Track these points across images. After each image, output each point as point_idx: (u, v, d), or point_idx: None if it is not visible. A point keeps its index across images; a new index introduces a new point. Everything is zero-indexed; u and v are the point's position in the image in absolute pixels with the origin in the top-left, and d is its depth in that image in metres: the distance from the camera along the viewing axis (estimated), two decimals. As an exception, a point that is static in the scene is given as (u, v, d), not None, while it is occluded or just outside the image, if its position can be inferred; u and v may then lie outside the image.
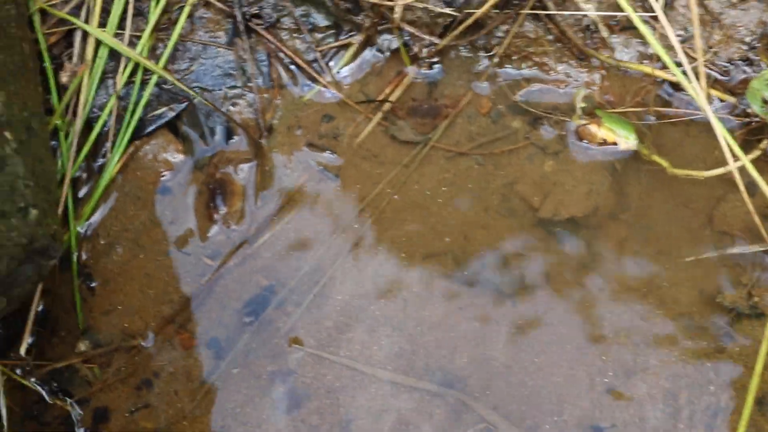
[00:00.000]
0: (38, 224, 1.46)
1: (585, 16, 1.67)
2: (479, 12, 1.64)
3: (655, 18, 1.63)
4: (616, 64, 1.69)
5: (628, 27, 1.69)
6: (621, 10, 1.64)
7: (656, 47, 1.61)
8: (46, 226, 1.49)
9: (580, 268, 1.64)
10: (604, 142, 1.67)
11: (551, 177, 1.68)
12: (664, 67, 1.66)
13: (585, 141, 1.69)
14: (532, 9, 1.66)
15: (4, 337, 1.58)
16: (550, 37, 1.71)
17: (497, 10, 1.67)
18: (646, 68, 1.69)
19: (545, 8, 1.67)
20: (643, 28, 1.62)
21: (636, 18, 1.62)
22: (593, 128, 1.67)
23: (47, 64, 1.65)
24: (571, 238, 1.66)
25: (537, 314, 1.62)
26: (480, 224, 1.66)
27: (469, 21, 1.66)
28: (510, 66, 1.73)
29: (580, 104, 1.69)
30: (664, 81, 1.70)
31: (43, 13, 1.67)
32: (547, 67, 1.72)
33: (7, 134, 1.45)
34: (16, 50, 1.57)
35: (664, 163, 1.64)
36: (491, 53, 1.72)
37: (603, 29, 1.69)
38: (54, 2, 1.68)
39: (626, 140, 1.66)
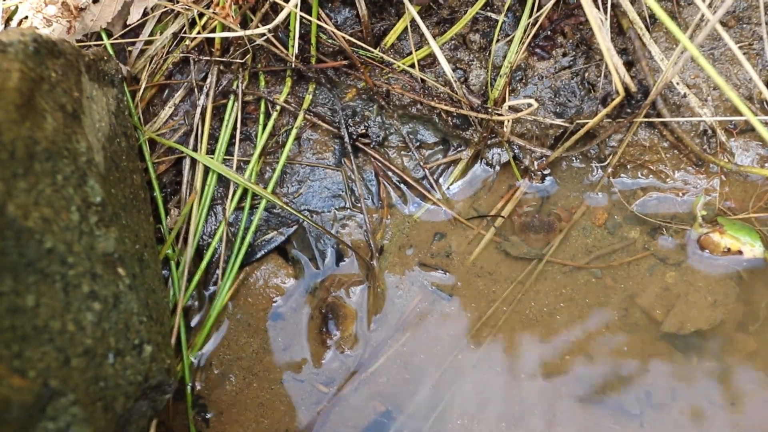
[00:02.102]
0: (153, 360, 1.50)
1: (701, 121, 1.66)
2: (591, 122, 1.66)
3: (777, 121, 1.61)
4: (737, 169, 1.68)
5: (746, 130, 1.69)
6: (739, 113, 1.63)
7: (780, 153, 1.59)
8: (161, 361, 1.52)
9: (709, 384, 1.61)
10: (728, 251, 1.65)
11: (673, 289, 1.66)
12: (788, 171, 1.64)
13: (707, 250, 1.67)
14: (646, 117, 1.66)
15: (123, 475, 1.59)
16: (666, 144, 1.71)
17: (610, 119, 1.67)
18: (769, 172, 1.68)
19: (660, 115, 1.67)
20: (764, 131, 1.61)
21: (756, 121, 1.60)
22: (716, 237, 1.65)
23: (157, 193, 1.70)
24: (698, 353, 1.64)
25: (667, 434, 1.59)
26: (601, 340, 1.65)
27: (581, 132, 1.67)
28: (625, 175, 1.73)
29: (700, 212, 1.68)
30: (788, 184, 1.69)
31: (152, 142, 1.73)
32: (664, 175, 1.71)
33: (120, 270, 1.49)
34: (128, 182, 1.63)
35: (793, 270, 1.62)
36: (605, 163, 1.73)
37: (721, 134, 1.68)
38: (162, 132, 1.74)
39: (751, 248, 1.64)
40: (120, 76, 1.71)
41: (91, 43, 1.76)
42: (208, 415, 1.67)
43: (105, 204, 1.49)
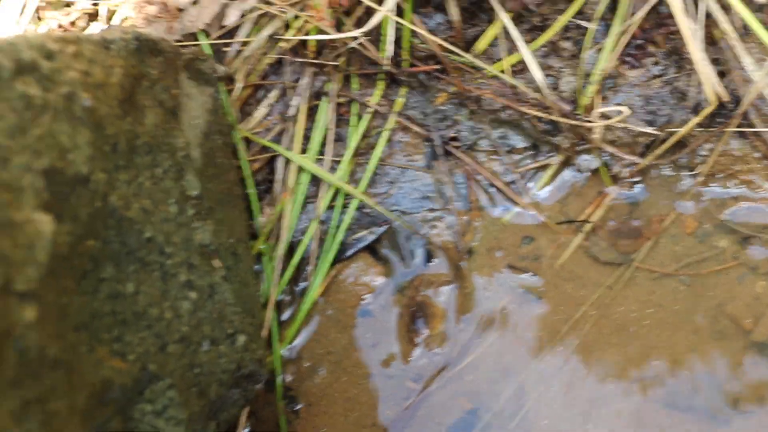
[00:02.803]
0: (245, 350, 1.55)
1: (794, 132, 1.69)
2: (682, 131, 1.68)
3: None
4: (829, 180, 1.69)
5: (839, 141, 1.70)
6: (832, 125, 1.64)
7: None
8: (253, 352, 1.57)
9: (798, 394, 1.63)
10: (819, 261, 1.66)
11: (763, 298, 1.68)
12: None
13: (798, 260, 1.68)
14: (737, 127, 1.68)
15: (214, 462, 1.65)
16: (757, 155, 1.73)
17: (701, 129, 1.70)
18: None
19: (751, 125, 1.69)
20: None
21: None
22: (806, 247, 1.66)
23: (251, 190, 1.75)
24: (787, 362, 1.65)
25: (754, 443, 1.60)
26: (689, 347, 1.67)
27: (672, 140, 1.69)
28: (715, 184, 1.75)
29: (791, 223, 1.69)
30: None
31: (247, 141, 1.79)
32: (755, 185, 1.73)
33: (216, 262, 1.55)
34: (223, 179, 1.69)
35: None
36: (695, 172, 1.75)
37: (813, 145, 1.70)
38: (257, 131, 1.80)
39: (842, 259, 1.64)
40: (216, 75, 1.77)
41: (189, 43, 1.82)
42: (297, 407, 1.71)
43: (202, 198, 1.55)
